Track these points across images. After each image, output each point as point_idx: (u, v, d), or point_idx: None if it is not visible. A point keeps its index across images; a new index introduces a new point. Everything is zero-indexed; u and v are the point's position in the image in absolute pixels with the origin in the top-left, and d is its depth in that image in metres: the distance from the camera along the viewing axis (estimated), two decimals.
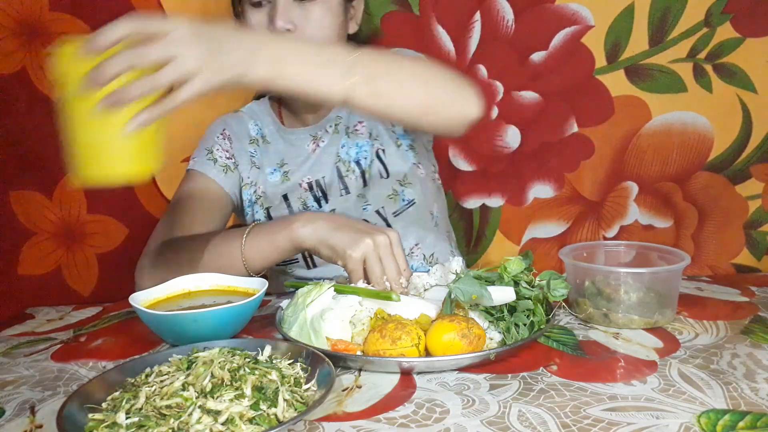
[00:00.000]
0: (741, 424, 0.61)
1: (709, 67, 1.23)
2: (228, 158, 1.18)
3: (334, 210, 1.17)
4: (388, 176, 1.17)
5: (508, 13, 1.23)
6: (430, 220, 1.21)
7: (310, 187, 1.18)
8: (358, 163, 1.18)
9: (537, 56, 1.25)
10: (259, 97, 1.29)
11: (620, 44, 1.23)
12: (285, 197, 1.18)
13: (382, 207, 1.16)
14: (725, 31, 1.21)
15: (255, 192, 1.20)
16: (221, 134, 1.21)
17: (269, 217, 1.18)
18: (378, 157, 1.18)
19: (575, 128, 1.28)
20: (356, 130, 1.20)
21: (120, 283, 1.23)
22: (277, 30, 1.02)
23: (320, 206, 1.17)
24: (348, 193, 1.17)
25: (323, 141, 1.20)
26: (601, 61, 1.24)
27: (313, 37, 1.06)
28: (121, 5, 1.15)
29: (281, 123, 1.23)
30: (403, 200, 1.17)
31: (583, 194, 1.33)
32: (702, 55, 1.22)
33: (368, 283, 0.90)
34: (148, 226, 1.11)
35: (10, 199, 1.18)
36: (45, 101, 1.16)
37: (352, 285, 0.87)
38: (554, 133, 1.28)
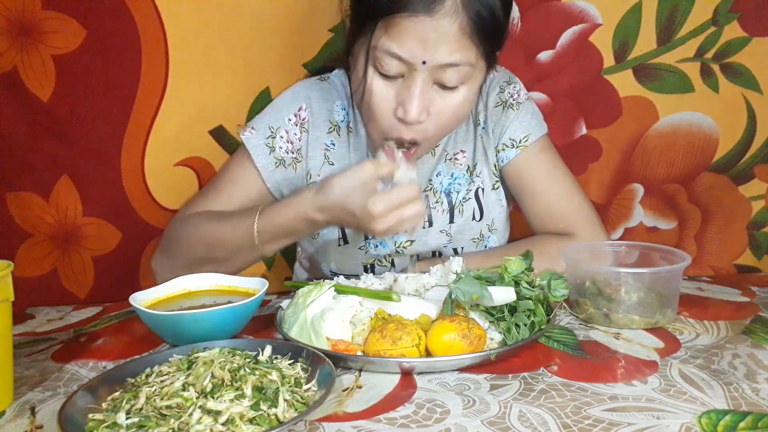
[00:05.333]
0: (742, 424, 0.61)
1: (716, 67, 1.21)
2: (289, 152, 1.04)
3: (412, 242, 1.06)
4: (480, 219, 1.08)
5: (513, 11, 1.21)
6: None
7: None
8: (448, 194, 1.06)
9: (544, 55, 1.22)
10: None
11: (628, 43, 1.20)
12: None
13: (462, 247, 1.08)
14: (732, 30, 1.19)
15: None
16: (295, 115, 1.04)
17: (341, 228, 1.05)
18: (477, 197, 1.07)
19: (584, 130, 1.26)
20: (455, 158, 1.07)
21: (116, 286, 1.22)
22: (406, 120, 0.88)
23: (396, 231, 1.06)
24: (430, 226, 1.06)
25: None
26: (609, 60, 1.21)
27: (446, 126, 0.93)
28: (115, 4, 1.13)
29: None
30: (485, 246, 1.09)
31: (589, 197, 1.32)
32: (709, 54, 1.20)
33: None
34: (141, 231, 1.10)
35: (7, 200, 1.17)
36: (37, 102, 1.14)
37: (352, 285, 0.87)
38: (563, 136, 1.24)
